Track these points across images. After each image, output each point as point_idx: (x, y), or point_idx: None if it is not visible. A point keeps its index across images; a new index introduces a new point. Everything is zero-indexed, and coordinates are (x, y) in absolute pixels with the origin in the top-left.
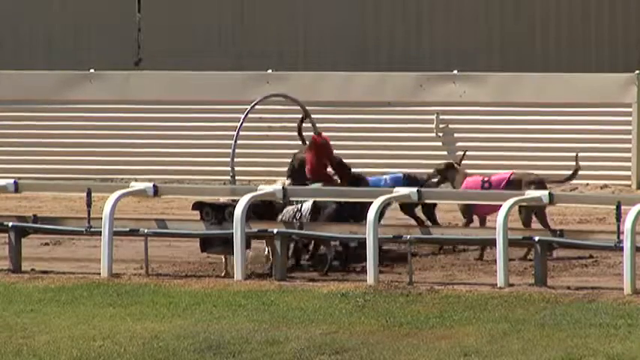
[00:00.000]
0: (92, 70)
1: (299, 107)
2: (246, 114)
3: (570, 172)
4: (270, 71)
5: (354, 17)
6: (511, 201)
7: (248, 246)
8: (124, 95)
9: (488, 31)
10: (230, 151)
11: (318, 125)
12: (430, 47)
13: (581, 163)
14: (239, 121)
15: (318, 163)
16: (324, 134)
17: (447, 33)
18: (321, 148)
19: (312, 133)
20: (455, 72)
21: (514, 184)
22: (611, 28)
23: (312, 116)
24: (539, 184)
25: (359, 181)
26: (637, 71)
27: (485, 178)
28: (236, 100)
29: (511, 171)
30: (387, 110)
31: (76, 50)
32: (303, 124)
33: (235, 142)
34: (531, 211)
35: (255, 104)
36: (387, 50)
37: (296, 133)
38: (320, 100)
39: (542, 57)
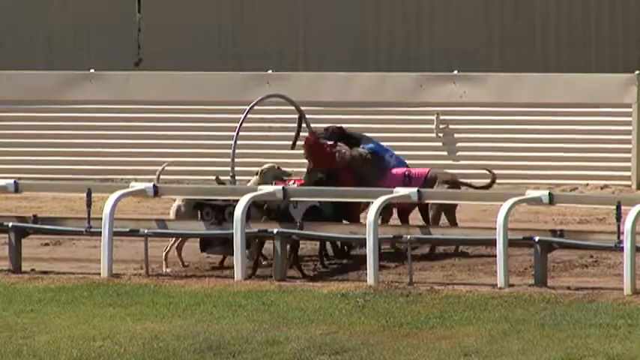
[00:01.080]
0: (92, 70)
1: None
2: (245, 115)
3: (489, 181)
4: (270, 71)
5: (354, 17)
6: (511, 201)
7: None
8: (124, 95)
9: (489, 31)
10: (230, 151)
11: (318, 125)
12: (430, 47)
13: (581, 164)
14: (238, 121)
15: (320, 157)
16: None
17: (447, 33)
18: (316, 146)
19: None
20: (455, 72)
21: (430, 182)
22: (611, 28)
23: (313, 117)
24: (453, 183)
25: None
26: (637, 71)
27: (407, 172)
28: (236, 100)
29: (428, 168)
30: (387, 110)
31: (76, 50)
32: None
33: (235, 142)
34: (442, 209)
35: (254, 105)
36: (387, 50)
37: (294, 133)
38: (320, 100)
39: (542, 57)
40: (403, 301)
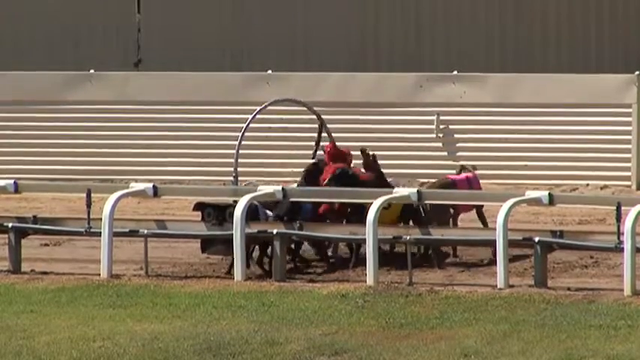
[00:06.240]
0: (92, 71)
1: (305, 109)
2: (254, 116)
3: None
4: (270, 71)
5: (354, 17)
6: (511, 201)
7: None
8: (124, 96)
9: (488, 31)
10: (232, 151)
11: (316, 126)
12: (430, 47)
13: (581, 164)
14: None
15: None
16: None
17: (447, 33)
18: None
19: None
20: (455, 72)
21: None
22: (611, 28)
23: (312, 117)
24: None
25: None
26: (637, 71)
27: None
28: (236, 100)
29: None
30: (387, 111)
31: (76, 50)
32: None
33: (240, 143)
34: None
35: (266, 107)
36: (387, 50)
37: (294, 134)
38: (320, 100)
39: (542, 57)
40: (403, 302)
